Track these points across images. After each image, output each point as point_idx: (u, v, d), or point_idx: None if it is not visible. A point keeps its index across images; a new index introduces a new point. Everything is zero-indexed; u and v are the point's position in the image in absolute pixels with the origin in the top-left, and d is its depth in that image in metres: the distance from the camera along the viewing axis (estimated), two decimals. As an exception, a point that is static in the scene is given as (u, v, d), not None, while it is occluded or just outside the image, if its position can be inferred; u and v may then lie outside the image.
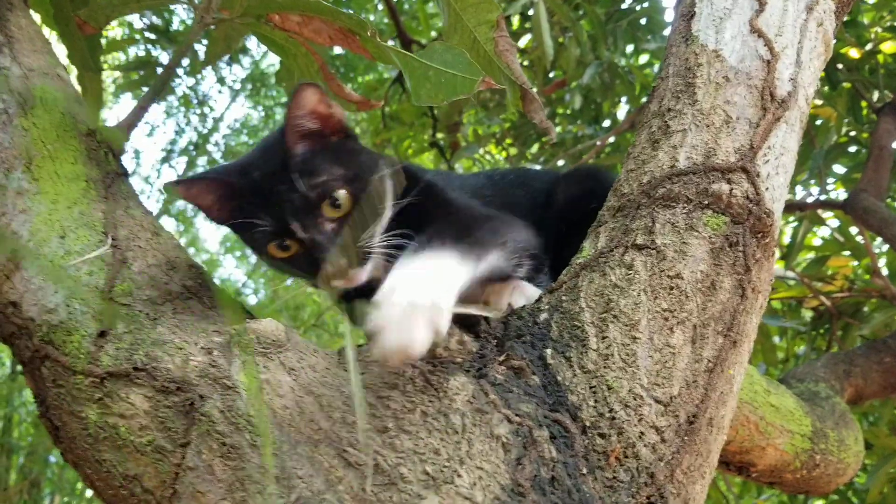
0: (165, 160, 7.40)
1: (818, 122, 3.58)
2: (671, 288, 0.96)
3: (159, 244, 1.13)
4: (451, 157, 4.45)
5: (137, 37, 4.71)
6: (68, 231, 1.09)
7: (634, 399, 0.88)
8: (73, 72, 1.57)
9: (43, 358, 0.99)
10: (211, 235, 10.40)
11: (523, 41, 4.24)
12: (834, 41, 1.25)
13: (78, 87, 1.51)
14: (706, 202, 1.02)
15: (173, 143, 7.44)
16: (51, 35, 1.58)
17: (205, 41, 2.04)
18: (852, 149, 3.56)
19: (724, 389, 0.94)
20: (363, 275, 1.11)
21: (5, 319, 1.04)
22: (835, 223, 3.57)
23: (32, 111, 1.23)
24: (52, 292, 1.02)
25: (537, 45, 3.49)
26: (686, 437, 0.88)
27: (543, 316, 0.99)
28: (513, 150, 4.98)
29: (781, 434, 1.88)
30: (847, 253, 3.42)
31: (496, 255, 1.11)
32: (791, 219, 3.88)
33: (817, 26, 1.20)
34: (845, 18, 3.27)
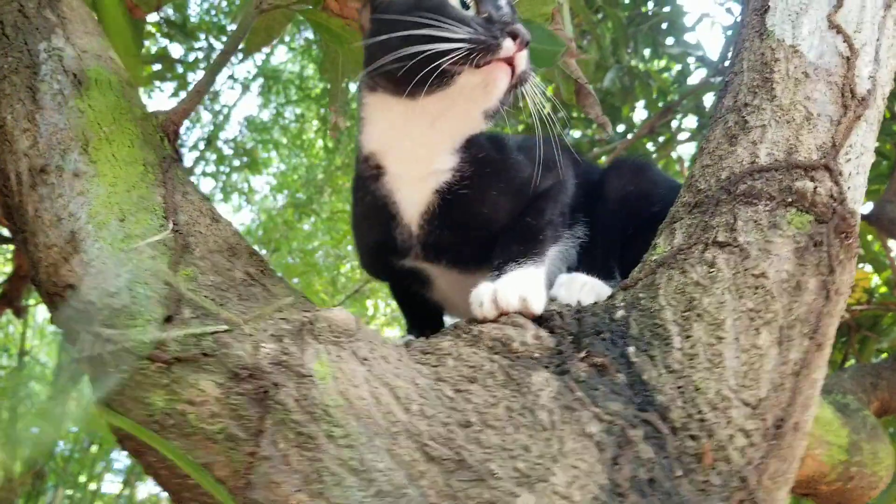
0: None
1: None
2: (756, 287, 0.93)
3: (219, 230, 1.10)
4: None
5: (154, 31, 4.69)
6: (128, 214, 1.06)
7: (722, 401, 0.85)
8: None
9: (105, 342, 0.96)
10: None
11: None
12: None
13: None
14: (790, 200, 0.99)
15: (184, 139, 7.39)
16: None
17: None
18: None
19: (808, 394, 0.91)
20: (520, 66, 1.05)
21: (63, 302, 1.01)
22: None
23: (88, 93, 1.20)
24: (113, 276, 0.99)
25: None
26: (773, 442, 0.85)
27: (620, 313, 0.96)
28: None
29: (820, 445, 1.85)
30: (864, 265, 3.38)
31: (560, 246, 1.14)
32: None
33: (894, 24, 1.17)
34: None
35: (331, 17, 1.31)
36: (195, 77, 6.24)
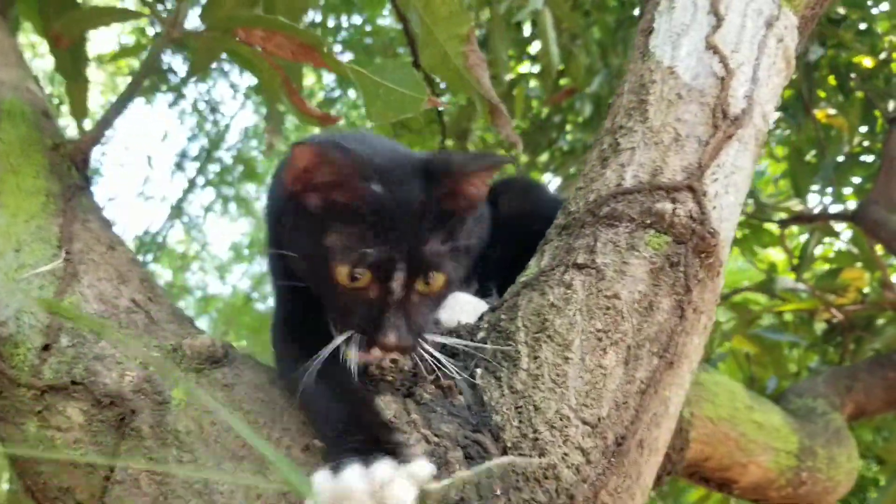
0: (179, 166, 7.48)
1: (831, 133, 3.58)
2: (607, 308, 0.97)
3: (113, 258, 1.16)
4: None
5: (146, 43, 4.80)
6: (24, 245, 1.12)
7: (561, 420, 0.89)
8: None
9: (-10, 371, 1.02)
10: (218, 241, 10.47)
11: (534, 48, 4.25)
12: (795, 59, 1.25)
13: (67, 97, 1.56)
14: (649, 221, 1.02)
15: (184, 150, 7.51)
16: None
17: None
18: (869, 158, 3.54)
19: (657, 411, 0.95)
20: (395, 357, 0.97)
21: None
22: (849, 234, 3.56)
23: None
24: (3, 306, 1.05)
25: (544, 53, 3.50)
26: (613, 459, 0.89)
27: (481, 335, 1.01)
28: (523, 158, 4.98)
29: (765, 451, 1.88)
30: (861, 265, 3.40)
31: None
32: (802, 231, 3.88)
33: (777, 42, 1.20)
34: (861, 27, 3.25)
35: (240, 44, 1.37)
36: (198, 89, 6.33)
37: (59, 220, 1.17)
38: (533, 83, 4.40)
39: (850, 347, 3.30)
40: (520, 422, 0.89)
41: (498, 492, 0.82)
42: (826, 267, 3.67)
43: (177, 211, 7.12)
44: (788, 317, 3.61)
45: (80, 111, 1.67)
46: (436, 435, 0.85)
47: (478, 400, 0.91)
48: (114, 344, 1.00)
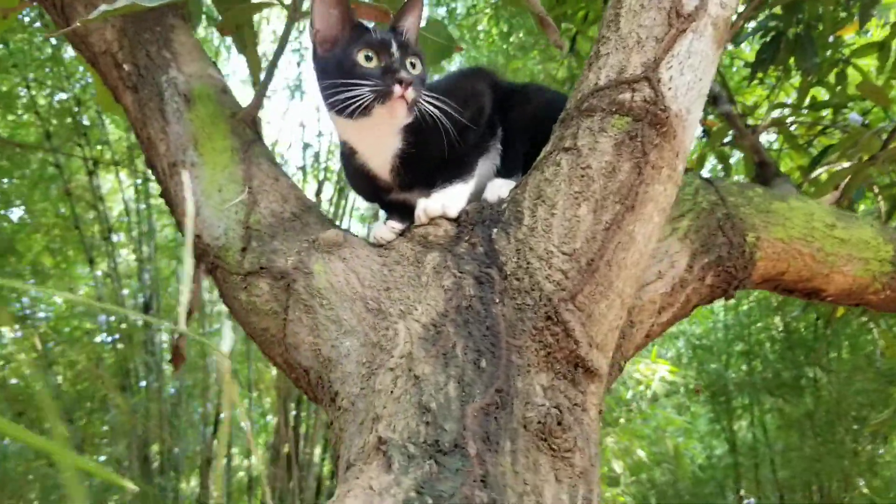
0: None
1: None
2: (582, 176, 1.46)
3: (278, 186, 1.82)
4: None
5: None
6: (223, 186, 1.80)
7: (547, 254, 1.42)
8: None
9: (216, 267, 1.72)
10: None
11: None
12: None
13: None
14: (614, 109, 1.49)
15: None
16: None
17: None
18: None
19: (622, 240, 1.43)
20: (410, 98, 1.56)
21: (195, 246, 1.79)
22: None
23: (194, 107, 1.94)
24: (216, 227, 1.74)
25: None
26: (586, 275, 1.40)
27: (504, 205, 1.54)
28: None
29: (849, 262, 2.22)
30: None
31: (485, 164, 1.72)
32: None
33: (729, -58, 1.57)
34: None
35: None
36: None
37: (242, 166, 1.84)
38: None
39: None
40: (518, 259, 1.43)
41: (496, 301, 1.38)
42: None
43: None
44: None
45: (255, 66, 2.35)
46: (460, 272, 1.42)
47: (491, 249, 1.46)
48: (282, 242, 1.65)
